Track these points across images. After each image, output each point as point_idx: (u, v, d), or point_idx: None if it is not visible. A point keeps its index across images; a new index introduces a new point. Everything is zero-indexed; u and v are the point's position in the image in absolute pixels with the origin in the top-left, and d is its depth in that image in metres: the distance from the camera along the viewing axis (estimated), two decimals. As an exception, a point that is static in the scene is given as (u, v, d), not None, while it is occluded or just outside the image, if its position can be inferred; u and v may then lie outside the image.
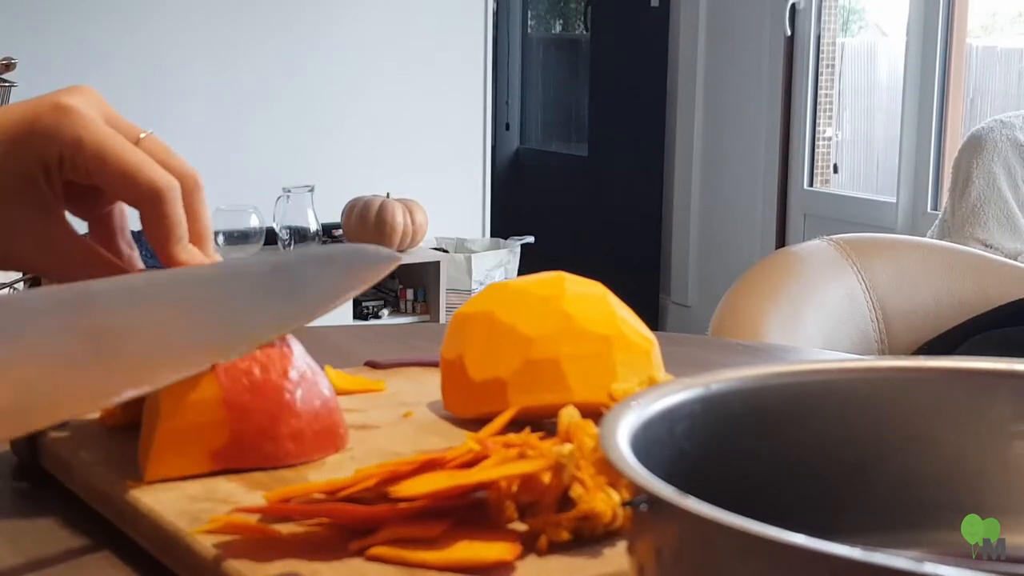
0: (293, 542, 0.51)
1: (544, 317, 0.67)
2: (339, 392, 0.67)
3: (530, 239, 3.81)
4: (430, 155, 3.86)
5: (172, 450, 0.58)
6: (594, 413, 0.50)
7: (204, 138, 3.47)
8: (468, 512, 0.52)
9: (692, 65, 4.32)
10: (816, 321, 1.54)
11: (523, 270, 3.67)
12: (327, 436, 0.62)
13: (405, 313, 3.55)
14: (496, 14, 4.46)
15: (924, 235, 2.90)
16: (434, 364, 0.76)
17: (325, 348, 0.78)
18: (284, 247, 3.26)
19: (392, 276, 3.45)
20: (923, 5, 3.52)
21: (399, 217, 3.38)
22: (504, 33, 5.28)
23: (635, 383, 0.55)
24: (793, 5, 3.93)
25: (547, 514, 0.51)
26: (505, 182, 4.96)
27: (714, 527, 0.34)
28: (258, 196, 3.31)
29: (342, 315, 3.21)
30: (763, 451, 0.49)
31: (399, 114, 3.81)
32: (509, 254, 3.71)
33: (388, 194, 3.46)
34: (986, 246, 2.73)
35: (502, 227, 4.08)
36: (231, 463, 0.59)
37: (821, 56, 3.97)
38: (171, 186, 0.62)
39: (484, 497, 0.52)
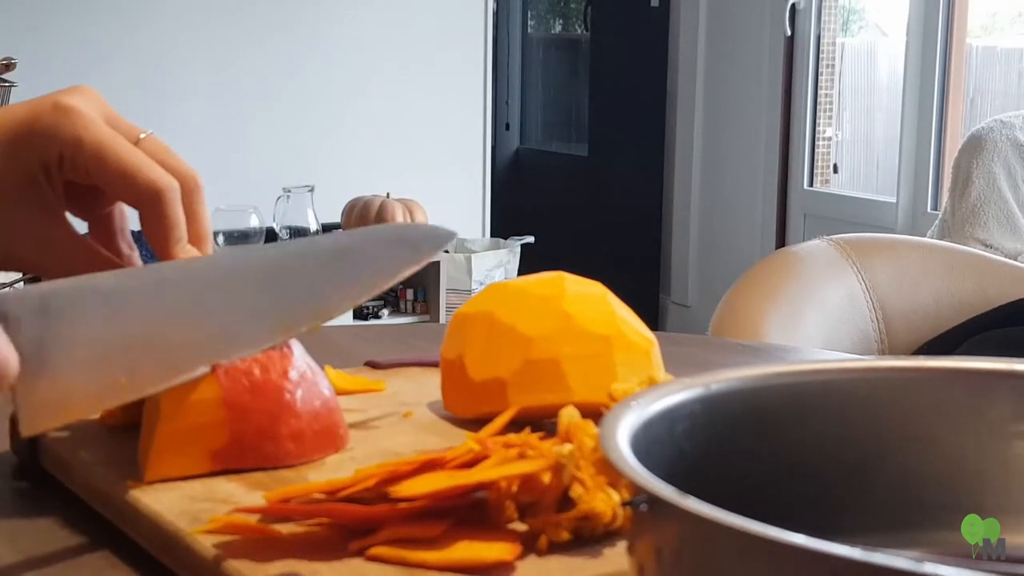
0: (293, 542, 0.51)
1: (544, 317, 0.67)
2: (339, 392, 0.67)
3: (530, 239, 3.81)
4: (430, 155, 3.86)
5: (172, 450, 0.58)
6: (594, 413, 0.50)
7: (204, 138, 3.47)
8: (468, 512, 0.52)
9: (692, 65, 4.32)
10: (816, 321, 1.54)
11: (523, 270, 3.67)
12: (327, 436, 0.62)
13: (405, 313, 3.54)
14: (496, 14, 4.46)
15: (924, 235, 2.90)
16: (434, 364, 0.76)
17: (325, 348, 0.78)
18: (284, 247, 3.26)
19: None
20: (923, 5, 3.52)
21: (399, 217, 3.38)
22: (504, 33, 5.28)
23: (635, 383, 0.55)
24: (793, 5, 3.93)
25: (547, 514, 0.51)
26: (505, 182, 4.96)
27: (714, 527, 0.34)
28: (258, 196, 3.30)
29: (342, 315, 3.21)
30: (763, 451, 0.49)
31: (399, 114, 3.81)
32: (509, 254, 3.71)
33: (388, 194, 3.46)
34: (986, 246, 2.73)
35: (502, 227, 4.08)
36: (231, 463, 0.59)
37: (821, 56, 3.97)
38: (171, 186, 0.62)
39: (484, 497, 0.52)
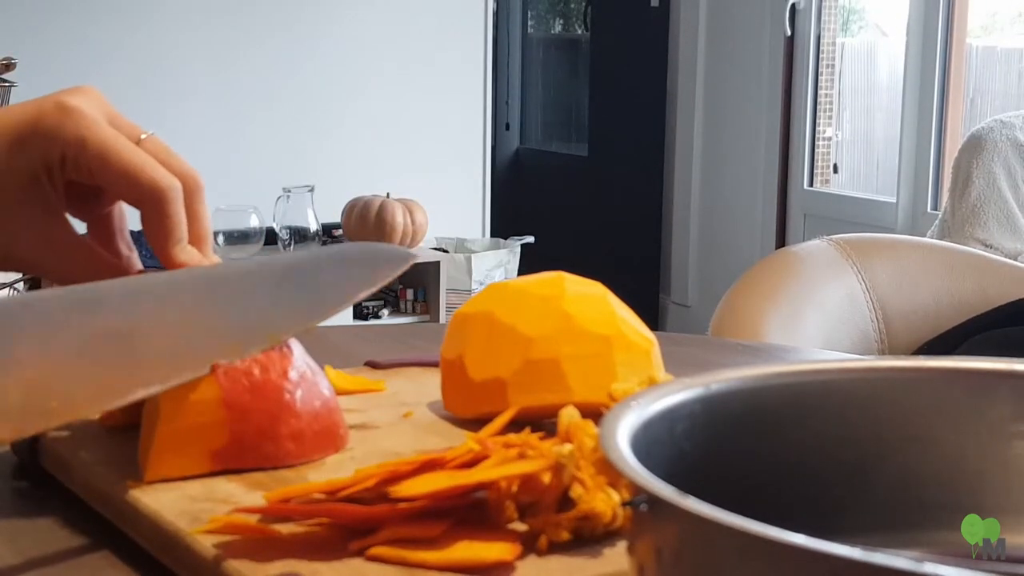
0: (293, 542, 0.51)
1: (544, 317, 0.67)
2: (339, 392, 0.67)
3: (530, 239, 3.81)
4: (430, 155, 3.86)
5: (172, 450, 0.58)
6: (594, 413, 0.50)
7: (204, 138, 3.47)
8: (468, 512, 0.52)
9: (692, 65, 4.32)
10: (816, 321, 1.54)
11: (523, 270, 3.67)
12: (327, 436, 0.62)
13: (405, 313, 3.54)
14: (496, 14, 4.46)
15: (924, 235, 2.90)
16: (434, 364, 0.76)
17: (325, 348, 0.78)
18: (284, 247, 3.26)
19: (392, 276, 3.44)
20: (923, 5, 3.52)
21: (399, 217, 3.38)
22: (504, 33, 5.28)
23: (635, 383, 0.55)
24: (793, 5, 3.93)
25: (547, 514, 0.51)
26: (505, 182, 4.96)
27: (714, 527, 0.34)
28: (258, 196, 3.31)
29: (342, 315, 3.21)
30: (763, 451, 0.49)
31: (399, 114, 3.81)
32: (509, 254, 3.71)
33: (388, 194, 3.46)
34: (986, 246, 2.73)
35: (502, 227, 4.08)
36: (231, 463, 0.59)
37: (821, 56, 3.97)
38: (173, 186, 0.63)
39: (484, 497, 0.52)
